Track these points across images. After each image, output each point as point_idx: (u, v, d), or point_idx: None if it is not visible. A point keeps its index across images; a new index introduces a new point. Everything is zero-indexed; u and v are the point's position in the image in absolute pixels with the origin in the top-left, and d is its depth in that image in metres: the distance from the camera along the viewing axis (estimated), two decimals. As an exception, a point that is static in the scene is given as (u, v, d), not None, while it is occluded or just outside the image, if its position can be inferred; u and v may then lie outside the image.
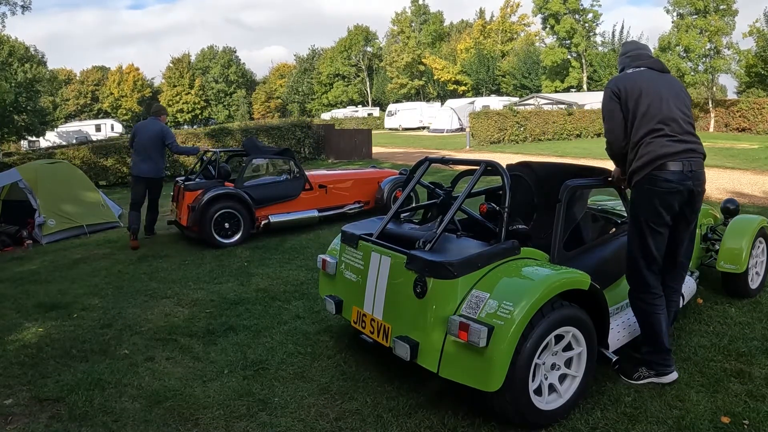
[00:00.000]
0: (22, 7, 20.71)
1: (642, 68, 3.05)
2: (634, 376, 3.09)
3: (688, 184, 2.88)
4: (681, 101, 2.98)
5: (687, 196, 2.92)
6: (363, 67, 62.02)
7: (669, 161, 2.84)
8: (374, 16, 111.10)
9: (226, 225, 6.70)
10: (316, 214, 7.43)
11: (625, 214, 3.62)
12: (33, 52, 31.01)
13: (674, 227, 3.02)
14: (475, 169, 3.28)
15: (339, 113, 49.10)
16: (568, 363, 2.81)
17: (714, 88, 28.97)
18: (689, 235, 3.16)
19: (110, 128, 47.41)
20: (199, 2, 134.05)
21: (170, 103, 63.90)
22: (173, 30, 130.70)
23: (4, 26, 23.22)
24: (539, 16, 42.02)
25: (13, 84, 23.83)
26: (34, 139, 32.67)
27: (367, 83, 62.43)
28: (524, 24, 53.03)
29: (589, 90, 40.08)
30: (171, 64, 66.92)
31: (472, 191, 3.37)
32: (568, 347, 2.79)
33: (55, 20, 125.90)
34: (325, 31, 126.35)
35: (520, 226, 3.19)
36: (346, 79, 63.01)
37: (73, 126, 47.51)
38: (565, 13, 39.53)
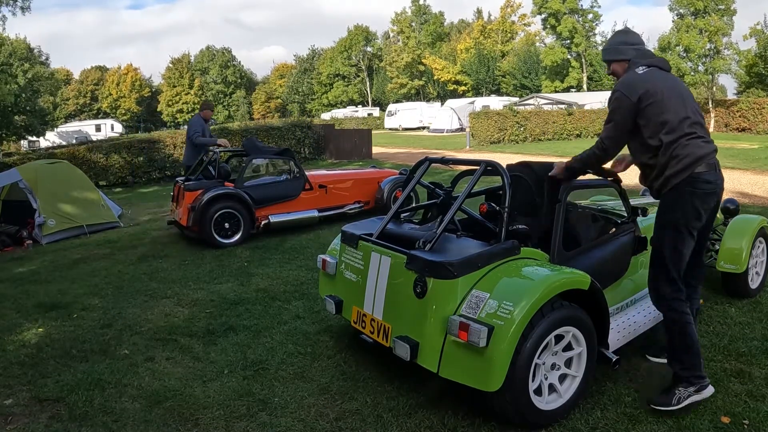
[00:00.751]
0: (21, 8, 20.70)
1: (652, 67, 2.93)
2: (673, 401, 2.75)
3: (720, 183, 2.90)
4: (695, 102, 2.96)
5: (719, 195, 2.94)
6: (363, 67, 62.02)
7: (705, 162, 2.81)
8: (374, 16, 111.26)
9: (226, 225, 6.70)
10: (316, 214, 7.43)
11: (626, 214, 3.62)
12: (37, 53, 30.96)
13: (701, 227, 2.99)
14: (475, 169, 3.29)
15: (339, 113, 49.07)
16: (568, 363, 2.81)
17: (714, 88, 28.96)
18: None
19: (110, 128, 47.38)
20: (199, 2, 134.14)
21: (170, 103, 63.94)
22: (172, 30, 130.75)
23: (4, 28, 23.23)
24: (539, 16, 42.04)
25: (14, 87, 23.82)
26: (34, 139, 32.64)
27: (367, 83, 62.43)
28: (524, 24, 53.04)
29: (589, 90, 40.09)
30: (171, 65, 66.90)
31: (472, 191, 3.37)
32: (568, 347, 2.79)
33: (55, 20, 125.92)
34: (324, 31, 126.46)
35: (520, 226, 3.19)
36: (346, 79, 63.00)
37: (73, 126, 47.48)
38: (565, 13, 39.53)
